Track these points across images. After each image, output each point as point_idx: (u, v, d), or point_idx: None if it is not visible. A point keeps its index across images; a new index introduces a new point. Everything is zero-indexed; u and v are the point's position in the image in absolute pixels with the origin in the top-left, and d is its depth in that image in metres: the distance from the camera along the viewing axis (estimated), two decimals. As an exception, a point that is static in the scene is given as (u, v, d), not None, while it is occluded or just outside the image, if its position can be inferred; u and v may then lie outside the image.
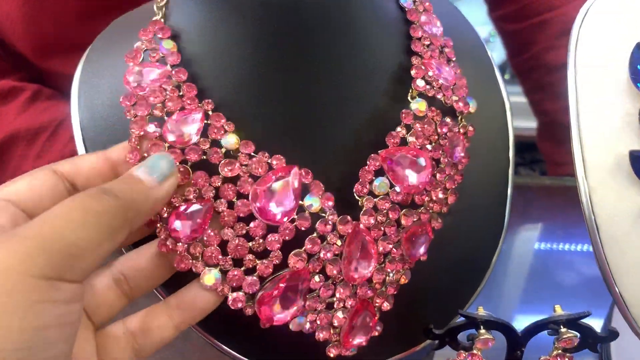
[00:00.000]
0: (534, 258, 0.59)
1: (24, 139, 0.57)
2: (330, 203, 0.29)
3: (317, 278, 0.29)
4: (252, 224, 0.28)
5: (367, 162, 0.30)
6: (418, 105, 0.31)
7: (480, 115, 0.35)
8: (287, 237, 0.28)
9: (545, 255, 0.59)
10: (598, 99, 0.34)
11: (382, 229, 0.30)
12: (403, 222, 0.30)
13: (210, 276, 0.28)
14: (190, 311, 0.29)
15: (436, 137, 0.32)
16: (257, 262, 0.28)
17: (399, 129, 0.31)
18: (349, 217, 0.30)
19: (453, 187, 0.33)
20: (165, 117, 0.29)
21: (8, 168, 0.58)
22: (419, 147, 0.31)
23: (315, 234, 0.29)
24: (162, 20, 0.33)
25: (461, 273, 0.36)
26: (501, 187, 0.37)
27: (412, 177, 0.30)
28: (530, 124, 0.81)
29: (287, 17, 0.30)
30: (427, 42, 0.34)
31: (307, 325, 0.30)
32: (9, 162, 0.58)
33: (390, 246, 0.30)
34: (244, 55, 0.31)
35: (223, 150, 0.29)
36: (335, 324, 0.30)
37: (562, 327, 0.32)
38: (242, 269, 0.28)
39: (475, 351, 0.33)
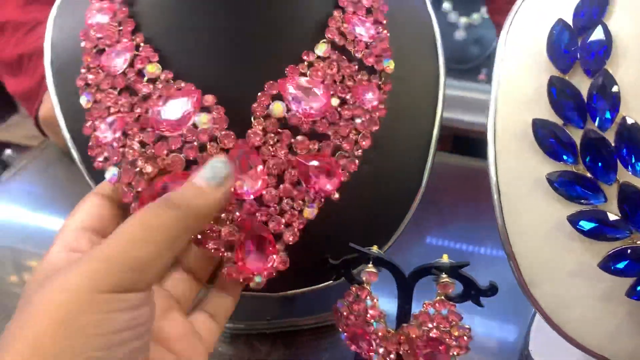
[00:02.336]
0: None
1: (10, 27, 0.71)
2: (217, 116, 0.33)
3: None
4: (146, 134, 0.33)
5: (264, 87, 0.34)
6: (320, 47, 0.35)
7: (410, 79, 0.38)
8: (173, 146, 0.32)
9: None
10: (517, 71, 0.36)
11: (271, 149, 0.33)
12: (298, 149, 0.33)
13: (109, 171, 0.33)
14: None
15: (340, 77, 0.35)
16: (146, 165, 0.33)
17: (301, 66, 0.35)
18: (232, 133, 0.33)
19: (367, 132, 0.35)
20: (106, 49, 0.35)
21: None
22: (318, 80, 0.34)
23: (195, 144, 0.33)
24: None
25: (378, 219, 0.39)
26: (423, 150, 0.39)
27: (306, 102, 0.33)
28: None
29: None
30: (355, 0, 0.37)
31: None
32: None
33: (280, 165, 0.33)
34: None
35: (145, 79, 0.34)
36: (223, 232, 0.33)
37: (443, 273, 0.34)
38: (136, 169, 0.33)
39: (365, 285, 0.36)
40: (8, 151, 1.94)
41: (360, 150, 0.35)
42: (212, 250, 0.33)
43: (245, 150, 0.33)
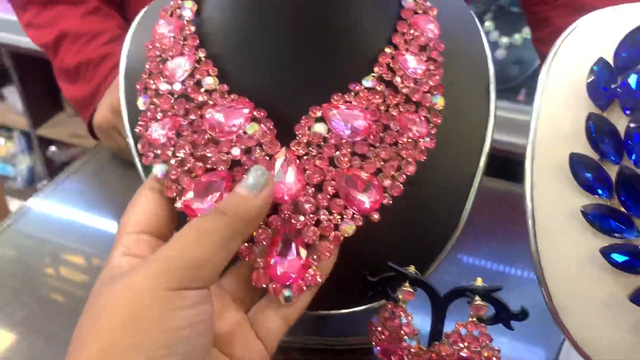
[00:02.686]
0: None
1: (71, 37, 0.75)
2: (264, 126, 0.35)
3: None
4: (197, 136, 0.35)
5: (309, 111, 0.36)
6: (367, 79, 0.37)
7: (460, 118, 0.40)
8: (222, 149, 0.35)
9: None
10: (556, 105, 0.37)
11: (313, 160, 0.35)
12: (340, 163, 0.35)
13: (158, 167, 0.36)
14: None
15: (385, 107, 0.37)
16: (195, 164, 0.35)
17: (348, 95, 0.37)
18: (277, 142, 0.35)
19: (410, 159, 0.36)
20: (170, 58, 0.38)
21: (58, 57, 0.77)
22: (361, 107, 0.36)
23: (242, 147, 0.35)
24: None
25: (415, 248, 0.40)
26: (465, 188, 0.39)
27: (347, 125, 0.35)
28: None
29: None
30: (409, 38, 0.39)
31: None
32: (59, 52, 0.77)
33: (318, 177, 0.35)
34: (245, 21, 0.38)
35: (203, 89, 0.37)
36: (255, 235, 0.34)
37: (476, 296, 0.36)
38: (184, 168, 0.35)
39: (400, 303, 0.38)
40: (52, 148, 2.03)
41: (404, 176, 0.36)
42: (243, 254, 0.34)
43: (286, 157, 0.35)
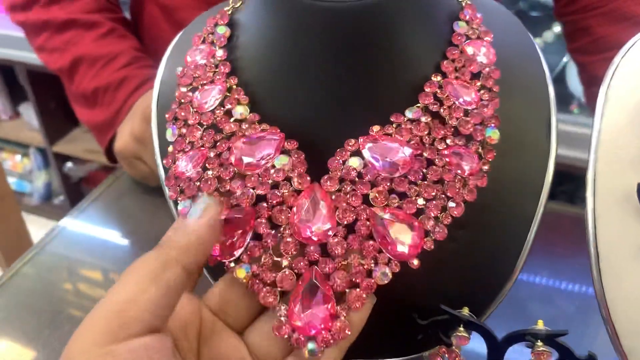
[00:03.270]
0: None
1: (87, 62, 0.73)
2: (296, 160, 0.32)
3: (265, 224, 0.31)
4: (224, 170, 0.33)
5: (345, 144, 0.33)
6: (411, 110, 0.34)
7: (517, 153, 0.36)
8: (249, 184, 0.32)
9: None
10: (618, 130, 0.34)
11: (346, 197, 0.32)
12: (376, 202, 0.31)
13: (182, 203, 0.34)
14: None
15: (431, 140, 0.33)
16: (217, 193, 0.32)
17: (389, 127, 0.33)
18: (307, 176, 0.32)
19: (459, 199, 0.32)
20: (200, 87, 0.36)
21: (74, 82, 0.75)
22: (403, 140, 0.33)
23: (270, 181, 0.32)
24: (229, 12, 0.39)
25: (471, 289, 0.36)
26: (521, 232, 0.35)
27: (384, 159, 0.32)
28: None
29: (335, 21, 0.34)
30: (459, 65, 0.35)
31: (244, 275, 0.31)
32: (75, 77, 0.74)
33: (351, 216, 0.31)
34: (283, 47, 0.36)
35: (232, 119, 0.34)
36: (277, 279, 0.31)
37: (538, 341, 0.33)
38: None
39: (454, 347, 0.35)
40: (69, 164, 2.02)
41: (449, 219, 0.32)
42: (263, 299, 0.31)
43: (316, 194, 0.31)
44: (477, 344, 0.35)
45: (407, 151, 0.32)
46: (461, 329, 0.34)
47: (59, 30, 0.74)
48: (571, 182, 1.12)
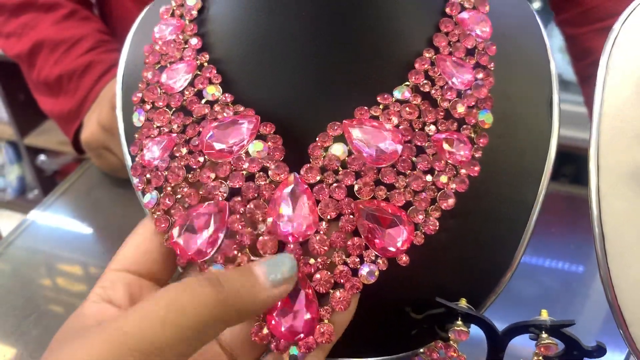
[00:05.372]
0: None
1: (47, 47, 0.68)
2: (273, 146, 0.29)
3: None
4: (193, 158, 0.30)
5: (327, 128, 0.30)
6: (399, 90, 0.30)
7: (514, 136, 0.33)
8: (220, 174, 0.29)
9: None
10: (622, 102, 0.32)
11: (327, 189, 0.28)
12: (362, 194, 0.28)
13: (148, 195, 0.30)
14: None
15: (421, 125, 0.30)
16: (189, 192, 0.29)
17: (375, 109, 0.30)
18: (285, 166, 0.29)
19: (451, 189, 0.30)
20: (168, 65, 0.33)
21: (35, 69, 0.70)
22: (391, 125, 0.29)
23: (243, 172, 0.29)
24: None
25: (466, 281, 0.33)
26: (519, 222, 0.33)
27: (371, 147, 0.29)
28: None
29: None
30: (454, 39, 0.32)
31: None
32: (36, 64, 0.69)
33: (334, 210, 0.28)
34: (259, 20, 0.32)
35: (204, 100, 0.31)
36: None
37: (543, 332, 0.31)
38: (177, 196, 0.30)
39: (452, 342, 0.32)
40: (42, 157, 1.96)
41: (438, 213, 0.30)
42: None
43: (296, 186, 0.28)
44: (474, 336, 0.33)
45: (397, 138, 0.29)
46: (459, 322, 0.32)
47: (14, 13, 0.69)
48: (572, 163, 1.09)
